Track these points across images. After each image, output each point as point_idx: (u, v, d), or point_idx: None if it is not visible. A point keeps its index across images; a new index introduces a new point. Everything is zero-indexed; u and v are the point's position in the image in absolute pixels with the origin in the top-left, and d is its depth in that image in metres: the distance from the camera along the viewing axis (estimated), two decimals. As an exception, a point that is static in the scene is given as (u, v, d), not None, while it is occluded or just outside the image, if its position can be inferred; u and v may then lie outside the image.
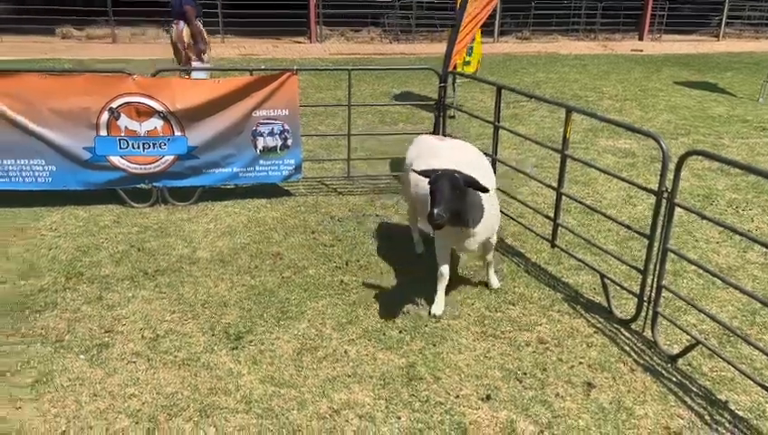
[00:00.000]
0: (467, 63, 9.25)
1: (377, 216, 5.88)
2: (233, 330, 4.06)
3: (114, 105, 5.56)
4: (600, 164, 7.03)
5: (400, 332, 4.08)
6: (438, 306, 4.27)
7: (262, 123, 5.93)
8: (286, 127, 6.00)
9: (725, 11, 20.16)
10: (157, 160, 5.81)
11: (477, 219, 4.03)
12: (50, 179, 5.75)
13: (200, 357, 3.80)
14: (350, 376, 3.66)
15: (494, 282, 4.63)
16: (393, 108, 9.97)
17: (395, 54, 16.19)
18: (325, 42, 17.70)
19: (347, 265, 4.95)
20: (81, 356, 3.78)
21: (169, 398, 3.45)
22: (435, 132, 6.52)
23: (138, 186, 5.91)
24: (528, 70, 14.11)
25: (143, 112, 5.63)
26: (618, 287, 4.42)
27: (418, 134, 8.10)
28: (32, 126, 5.52)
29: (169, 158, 5.82)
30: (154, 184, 5.91)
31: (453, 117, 8.70)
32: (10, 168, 5.64)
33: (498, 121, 5.45)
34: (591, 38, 19.69)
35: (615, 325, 4.21)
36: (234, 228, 5.57)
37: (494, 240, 4.44)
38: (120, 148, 5.71)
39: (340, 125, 8.81)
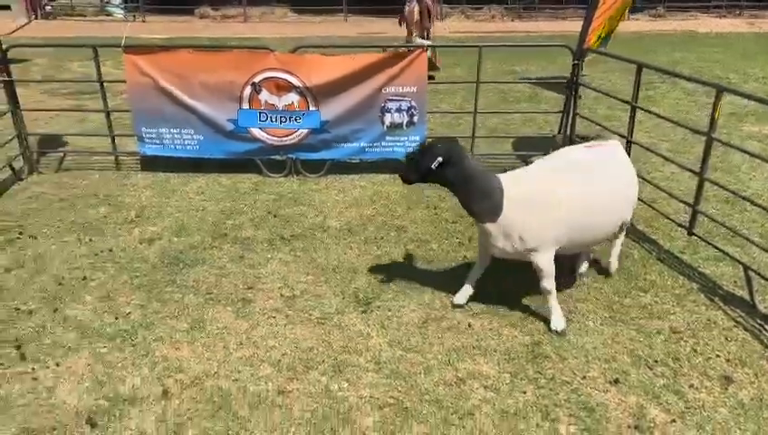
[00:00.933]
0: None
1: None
2: (362, 295, 4.28)
3: (257, 80, 5.95)
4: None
5: (524, 311, 4.10)
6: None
7: (390, 100, 6.09)
8: (413, 104, 6.11)
9: None
10: (292, 133, 6.16)
11: (486, 213, 3.66)
12: (197, 147, 6.28)
13: (333, 317, 4.05)
14: (474, 348, 3.75)
15: (553, 321, 3.89)
16: (516, 87, 9.77)
17: (517, 32, 15.78)
18: (445, 20, 17.60)
19: (469, 241, 5.02)
20: (228, 308, 4.17)
21: (306, 352, 3.73)
22: (564, 112, 6.36)
23: (273, 157, 6.31)
24: (663, 49, 13.21)
25: (282, 87, 5.98)
26: (762, 281, 4.14)
27: (541, 114, 8.00)
28: (184, 98, 6.04)
29: (303, 131, 6.15)
30: (288, 155, 6.28)
31: (580, 97, 8.38)
32: (165, 135, 6.23)
33: (636, 102, 5.22)
34: (736, 14, 18.02)
35: (758, 320, 3.97)
36: (360, 201, 5.80)
37: (536, 257, 3.76)
38: (260, 120, 6.11)
39: (460, 103, 8.80)
